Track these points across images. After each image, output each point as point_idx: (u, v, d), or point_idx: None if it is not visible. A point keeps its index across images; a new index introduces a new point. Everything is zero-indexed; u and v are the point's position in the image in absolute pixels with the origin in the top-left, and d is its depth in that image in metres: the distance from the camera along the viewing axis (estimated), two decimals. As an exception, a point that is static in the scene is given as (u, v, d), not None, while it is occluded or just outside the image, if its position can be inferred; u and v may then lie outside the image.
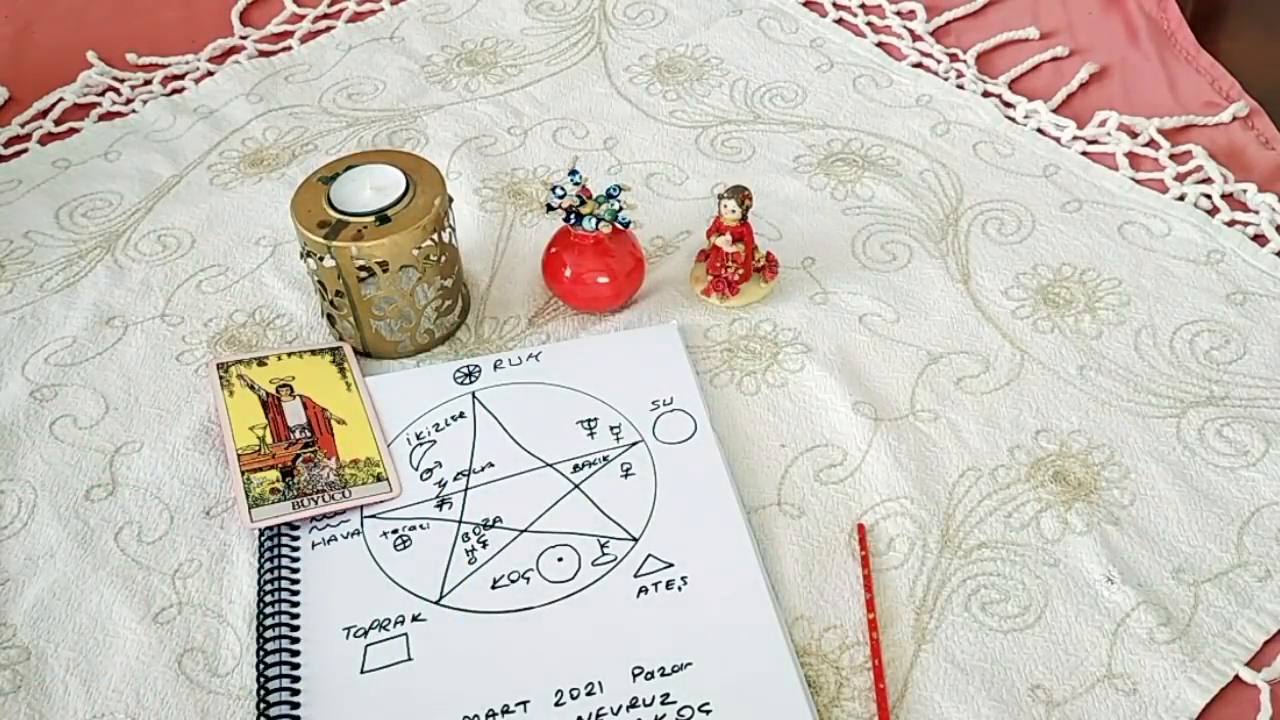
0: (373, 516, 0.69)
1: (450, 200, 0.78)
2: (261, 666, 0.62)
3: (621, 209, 0.77)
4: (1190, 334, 0.78)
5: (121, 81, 1.04)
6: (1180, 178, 0.90)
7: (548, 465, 0.71)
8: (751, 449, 0.72)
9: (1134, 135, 0.93)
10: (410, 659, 0.62)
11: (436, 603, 0.65)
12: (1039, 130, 0.95)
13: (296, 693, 0.61)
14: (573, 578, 0.66)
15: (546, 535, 0.68)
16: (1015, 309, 0.80)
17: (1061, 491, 0.69)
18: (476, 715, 0.60)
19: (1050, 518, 0.68)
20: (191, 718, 0.61)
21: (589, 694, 0.60)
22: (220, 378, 0.76)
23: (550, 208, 0.77)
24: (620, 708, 0.60)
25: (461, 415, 0.74)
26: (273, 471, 0.70)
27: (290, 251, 0.87)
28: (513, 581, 0.66)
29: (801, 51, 1.04)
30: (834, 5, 1.09)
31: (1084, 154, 0.92)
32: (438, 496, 0.70)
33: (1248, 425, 0.72)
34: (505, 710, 0.60)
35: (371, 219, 0.74)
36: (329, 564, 0.67)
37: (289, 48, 1.08)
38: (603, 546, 0.67)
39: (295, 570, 0.66)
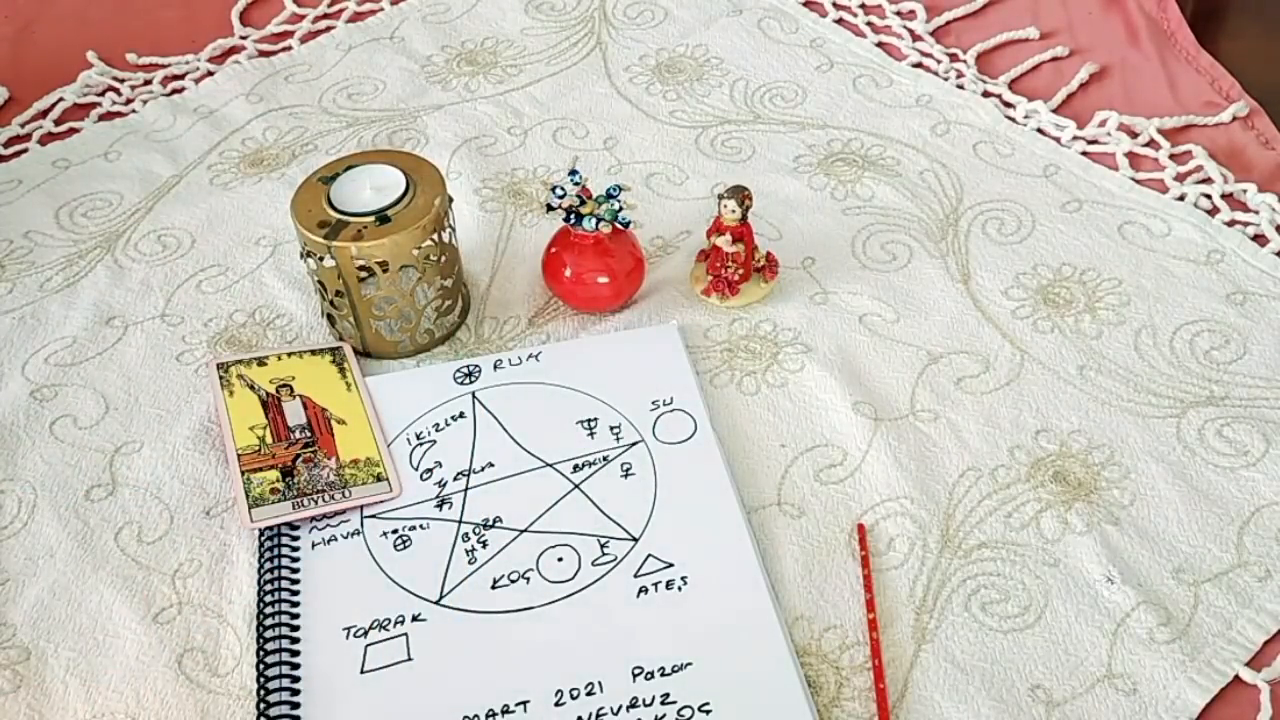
0: (373, 516, 0.69)
1: (450, 200, 0.78)
2: (261, 666, 0.62)
3: (621, 209, 0.77)
4: (1190, 334, 0.78)
5: (121, 81, 1.04)
6: (1180, 178, 0.90)
7: (548, 465, 0.71)
8: (751, 449, 0.72)
9: (1134, 135, 0.93)
10: (410, 659, 0.62)
11: (436, 603, 0.65)
12: (1039, 130, 0.95)
13: (296, 693, 0.61)
14: (573, 578, 0.66)
15: (546, 535, 0.68)
16: (1015, 309, 0.80)
17: (1061, 491, 0.69)
18: (476, 715, 0.60)
19: (1050, 518, 0.68)
20: (191, 718, 0.61)
21: (589, 694, 0.60)
22: (220, 378, 0.76)
23: (550, 208, 0.77)
24: (620, 708, 0.60)
25: (461, 415, 0.74)
26: (273, 471, 0.70)
27: (290, 251, 0.87)
28: (513, 581, 0.66)
29: (801, 51, 1.04)
30: (834, 5, 1.09)
31: (1084, 154, 0.92)
32: (438, 496, 0.70)
33: (1248, 425, 0.72)
34: (505, 710, 0.60)
35: (371, 219, 0.74)
36: (329, 564, 0.67)
37: (289, 48, 1.08)
38: (603, 546, 0.67)
39: (295, 570, 0.66)
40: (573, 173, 0.77)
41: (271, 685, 0.61)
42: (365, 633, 0.63)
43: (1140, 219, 0.86)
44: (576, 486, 0.70)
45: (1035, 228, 0.86)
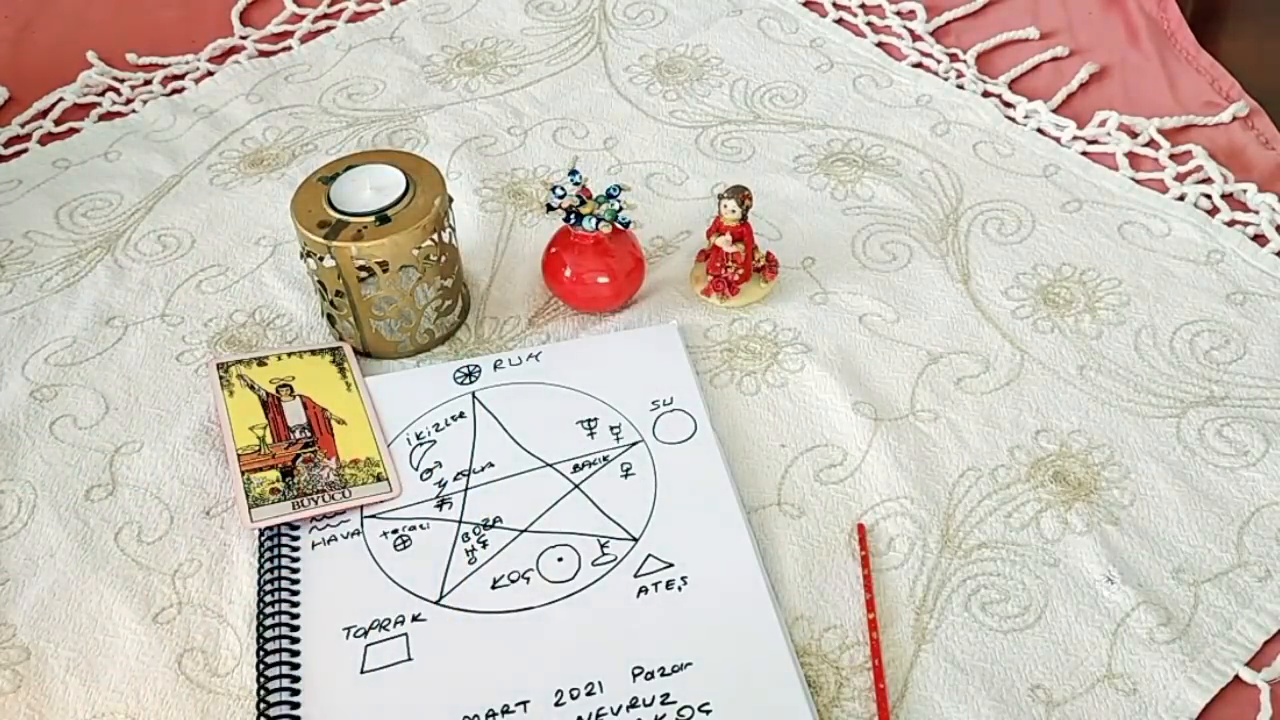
0: (373, 516, 0.69)
1: (450, 200, 0.78)
2: (261, 666, 0.62)
3: (621, 209, 0.77)
4: (1190, 334, 0.78)
5: (121, 81, 1.04)
6: (1180, 178, 0.90)
7: (548, 465, 0.71)
8: (751, 449, 0.72)
9: (1134, 135, 0.93)
10: (410, 659, 0.62)
11: (436, 603, 0.65)
12: (1039, 130, 0.95)
13: (296, 693, 0.61)
14: (573, 578, 0.66)
15: (546, 535, 0.68)
16: (1015, 309, 0.80)
17: (1061, 491, 0.69)
18: (476, 715, 0.60)
19: (1050, 518, 0.68)
20: (191, 718, 0.61)
21: (589, 694, 0.60)
22: (220, 378, 0.76)
23: (550, 208, 0.77)
24: (620, 708, 0.60)
25: (461, 415, 0.74)
26: (273, 471, 0.70)
27: (290, 251, 0.87)
28: (513, 581, 0.66)
29: (801, 51, 1.04)
30: (834, 5, 1.09)
31: (1084, 154, 0.92)
32: (438, 496, 0.70)
33: (1248, 425, 0.72)
34: (505, 710, 0.60)
35: (371, 219, 0.74)
36: (329, 564, 0.67)
37: (289, 48, 1.08)
38: (603, 546, 0.67)
39: (295, 570, 0.66)
40: (573, 173, 0.77)
41: (271, 685, 0.61)
42: (365, 633, 0.63)
43: (1140, 219, 0.86)
44: (576, 486, 0.70)
45: (1035, 228, 0.86)
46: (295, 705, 0.60)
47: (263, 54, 1.07)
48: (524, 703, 0.60)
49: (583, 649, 0.62)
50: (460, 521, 0.69)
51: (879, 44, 1.05)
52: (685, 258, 0.85)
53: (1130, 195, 0.88)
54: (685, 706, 0.60)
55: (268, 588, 0.65)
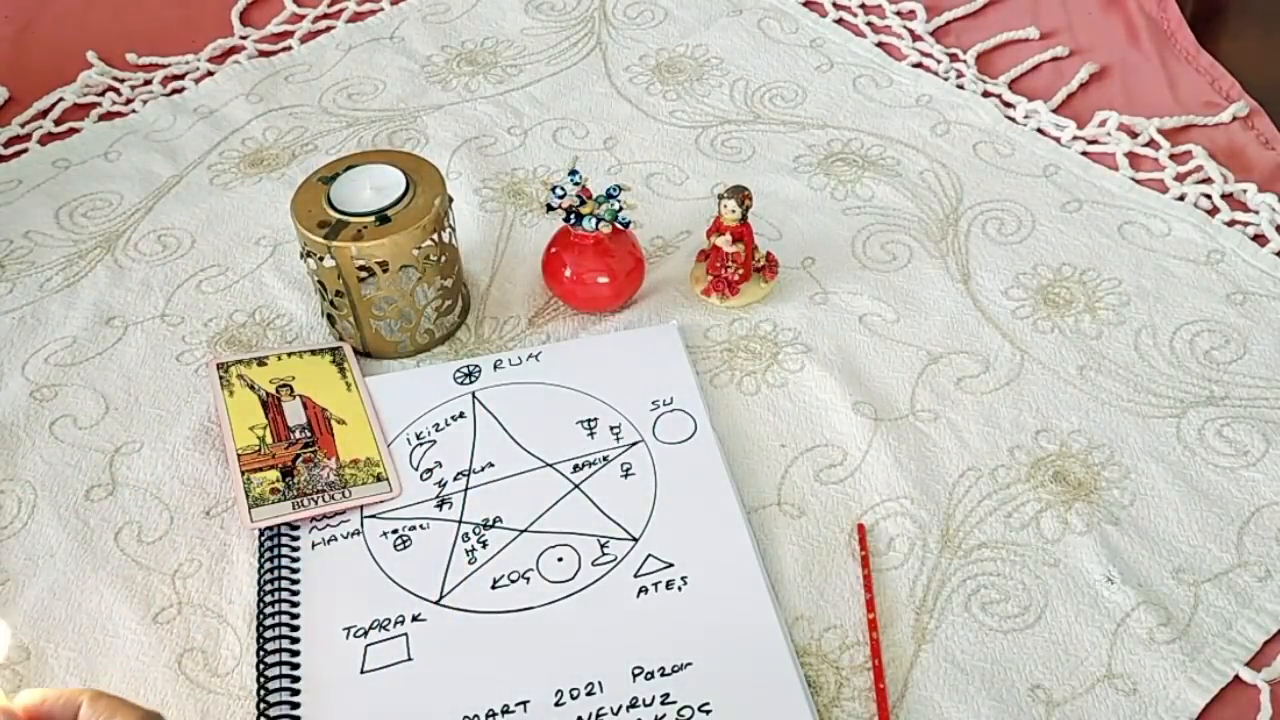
0: (373, 516, 0.69)
1: (450, 200, 0.78)
2: (261, 666, 0.62)
3: (621, 209, 0.77)
4: (1190, 334, 0.78)
5: (121, 81, 1.04)
6: (1180, 178, 0.90)
7: (548, 465, 0.71)
8: (751, 449, 0.72)
9: (1134, 135, 0.93)
10: (410, 659, 0.62)
11: (436, 603, 0.65)
12: (1039, 130, 0.95)
13: (296, 693, 0.61)
14: (573, 578, 0.66)
15: (546, 535, 0.68)
16: (1015, 309, 0.80)
17: (1061, 491, 0.69)
18: (476, 715, 0.60)
19: (1050, 518, 0.68)
20: (191, 718, 0.61)
21: (589, 694, 0.60)
22: (220, 378, 0.76)
23: (550, 208, 0.77)
24: (620, 708, 0.60)
25: (461, 415, 0.74)
26: (273, 471, 0.70)
27: (290, 251, 0.87)
28: (513, 581, 0.66)
29: (801, 51, 1.04)
30: (834, 5, 1.09)
31: (1084, 154, 0.92)
32: (438, 496, 0.70)
33: (1248, 425, 0.72)
34: (505, 710, 0.60)
35: (371, 219, 0.74)
36: (329, 564, 0.67)
37: (289, 48, 1.08)
38: (603, 546, 0.67)
39: (295, 570, 0.66)
40: (573, 173, 0.77)
41: (271, 685, 0.61)
42: (365, 633, 0.63)
43: (1140, 219, 0.86)
44: (576, 486, 0.70)
45: (1035, 228, 0.86)
46: (295, 705, 0.60)
47: (263, 54, 1.07)
48: (524, 703, 0.60)
49: (583, 649, 0.62)
50: (460, 521, 0.69)
51: (879, 44, 1.05)
52: (685, 258, 0.85)
53: (1130, 195, 0.88)
54: (685, 706, 0.60)
55: (268, 588, 0.65)
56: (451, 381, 0.77)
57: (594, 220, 0.76)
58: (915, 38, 1.05)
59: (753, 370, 0.77)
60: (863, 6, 1.09)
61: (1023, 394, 0.75)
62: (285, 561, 0.67)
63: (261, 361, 0.77)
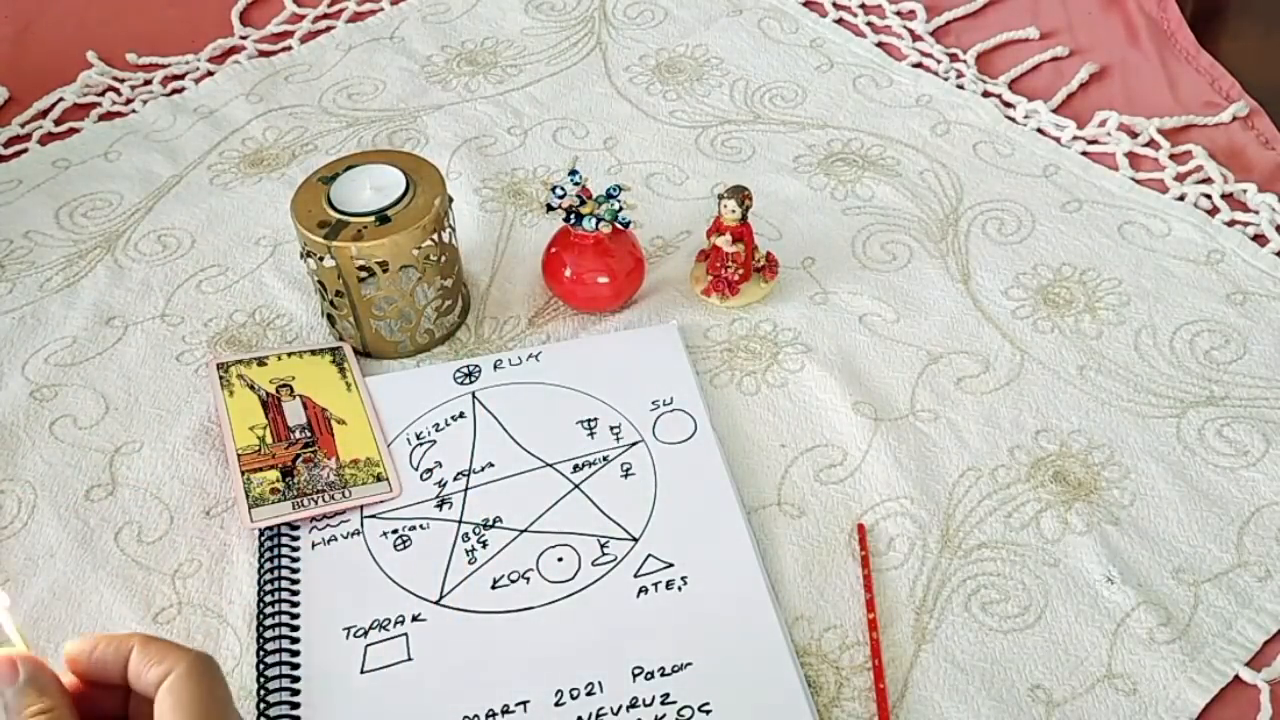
0: (373, 516, 0.69)
1: (450, 200, 0.78)
2: (261, 666, 0.62)
3: (621, 209, 0.77)
4: (1190, 334, 0.78)
5: (121, 81, 1.04)
6: (1180, 178, 0.90)
7: (548, 465, 0.71)
8: (751, 449, 0.72)
9: (1134, 135, 0.93)
10: (410, 659, 0.62)
11: (436, 603, 0.65)
12: (1039, 130, 0.95)
13: (296, 693, 0.61)
14: (573, 578, 0.66)
15: (546, 535, 0.68)
16: (1015, 309, 0.80)
17: (1061, 491, 0.69)
18: (476, 715, 0.60)
19: (1050, 518, 0.68)
20: (191, 718, 0.61)
21: (589, 694, 0.60)
22: (220, 378, 0.76)
23: (550, 208, 0.77)
24: (620, 708, 0.60)
25: (461, 415, 0.74)
26: (273, 471, 0.70)
27: (290, 251, 0.87)
28: (513, 581, 0.66)
29: (801, 51, 1.04)
30: (834, 5, 1.09)
31: (1084, 154, 0.92)
32: (438, 496, 0.70)
33: (1248, 425, 0.72)
34: (505, 710, 0.60)
35: (371, 219, 0.74)
36: (329, 564, 0.67)
37: (289, 48, 1.08)
38: (603, 546, 0.67)
39: (295, 570, 0.66)
40: (573, 173, 0.77)
41: (271, 685, 0.61)
42: (365, 633, 0.63)
43: (1140, 219, 0.86)
44: (576, 486, 0.70)
45: (1035, 228, 0.86)
46: (295, 705, 0.60)
47: (263, 54, 1.07)
48: (524, 703, 0.60)
49: (583, 649, 0.62)
50: (460, 521, 0.69)
51: (879, 44, 1.05)
52: (685, 258, 0.85)
53: (1130, 195, 0.88)
54: (685, 706, 0.60)
55: (268, 588, 0.65)
56: (451, 381, 0.77)
57: (594, 220, 0.76)
58: (915, 38, 1.05)
59: (753, 370, 0.77)
60: (863, 6, 1.09)
61: (1023, 394, 0.75)
62: (285, 561, 0.67)
63: (261, 361, 0.77)
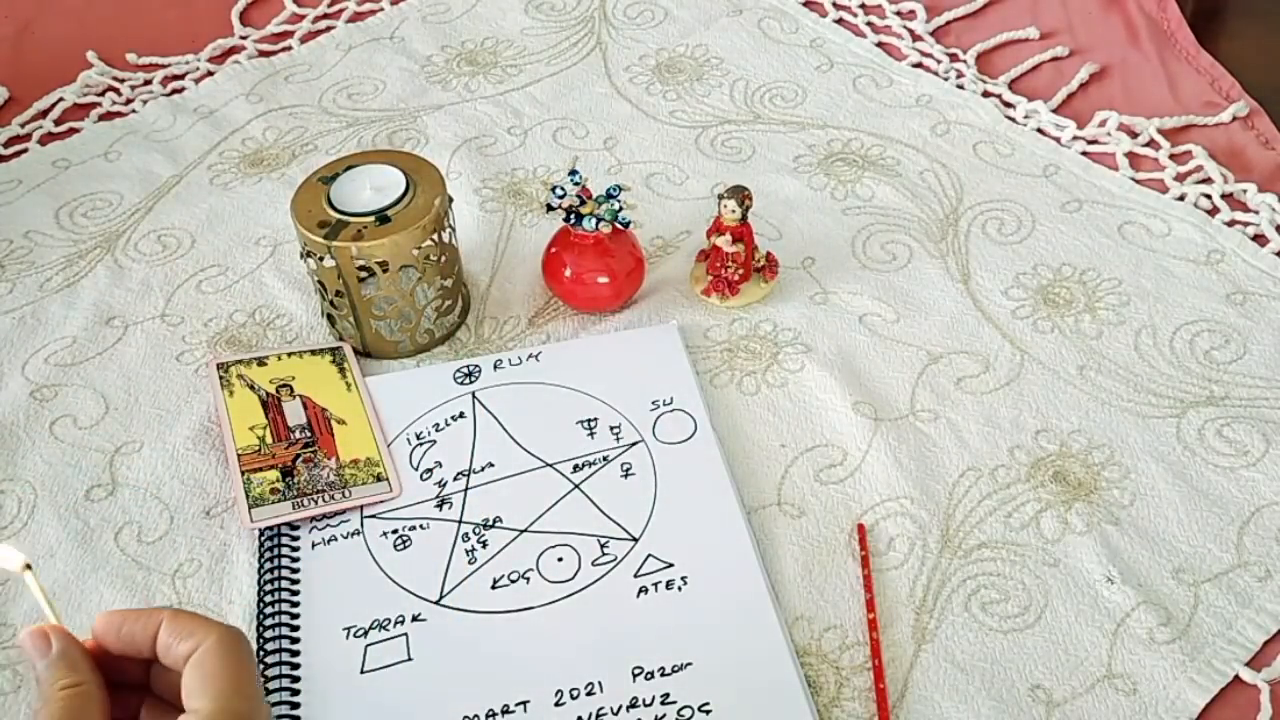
0: (373, 516, 0.69)
1: (450, 200, 0.78)
2: (261, 666, 0.62)
3: (621, 209, 0.77)
4: (1190, 334, 0.78)
5: (121, 81, 1.04)
6: (1180, 178, 0.90)
7: (548, 465, 0.71)
8: (751, 449, 0.72)
9: (1134, 135, 0.93)
10: (410, 659, 0.62)
11: (436, 603, 0.65)
12: (1039, 130, 0.95)
13: (296, 693, 0.61)
14: (573, 578, 0.66)
15: (546, 535, 0.68)
16: (1015, 309, 0.80)
17: (1061, 491, 0.69)
18: (476, 715, 0.60)
19: (1050, 518, 0.68)
20: (191, 718, 0.61)
21: (589, 694, 0.60)
22: (220, 378, 0.76)
23: (550, 208, 0.77)
24: (620, 708, 0.60)
25: (461, 415, 0.74)
26: (273, 471, 0.70)
27: (290, 251, 0.87)
28: (513, 581, 0.66)
29: (801, 51, 1.04)
30: (834, 5, 1.09)
31: (1084, 154, 0.92)
32: (438, 496, 0.70)
33: (1248, 425, 0.72)
34: (505, 710, 0.60)
35: (371, 219, 0.74)
36: (329, 564, 0.67)
37: (289, 48, 1.08)
38: (603, 546, 0.67)
39: (295, 570, 0.66)
40: (573, 173, 0.77)
41: (271, 685, 0.61)
42: (365, 633, 0.63)
43: (1140, 219, 0.86)
44: (576, 486, 0.70)
45: (1035, 228, 0.86)
46: (295, 705, 0.60)
47: (263, 54, 1.07)
48: (524, 703, 0.60)
49: (583, 649, 0.62)
50: (460, 521, 0.69)
51: (879, 44, 1.05)
52: (685, 258, 0.85)
53: (1130, 195, 0.88)
54: (685, 706, 0.60)
55: (268, 588, 0.65)
56: (451, 381, 0.77)
57: (594, 220, 0.76)
58: (915, 38, 1.05)
59: (753, 370, 0.77)
60: (863, 6, 1.09)
61: (1023, 394, 0.75)
62: (285, 561, 0.67)
63: (261, 361, 0.77)
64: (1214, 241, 0.84)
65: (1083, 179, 0.90)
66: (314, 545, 0.68)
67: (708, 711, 0.59)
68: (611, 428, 0.73)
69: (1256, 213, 0.86)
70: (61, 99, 1.02)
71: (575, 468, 0.71)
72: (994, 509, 0.69)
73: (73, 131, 1.00)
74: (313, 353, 0.78)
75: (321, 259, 0.75)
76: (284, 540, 0.68)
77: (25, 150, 0.98)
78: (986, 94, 0.99)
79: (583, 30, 1.09)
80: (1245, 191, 0.87)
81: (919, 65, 1.02)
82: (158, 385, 0.78)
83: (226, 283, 0.85)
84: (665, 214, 0.89)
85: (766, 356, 0.78)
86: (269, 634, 0.63)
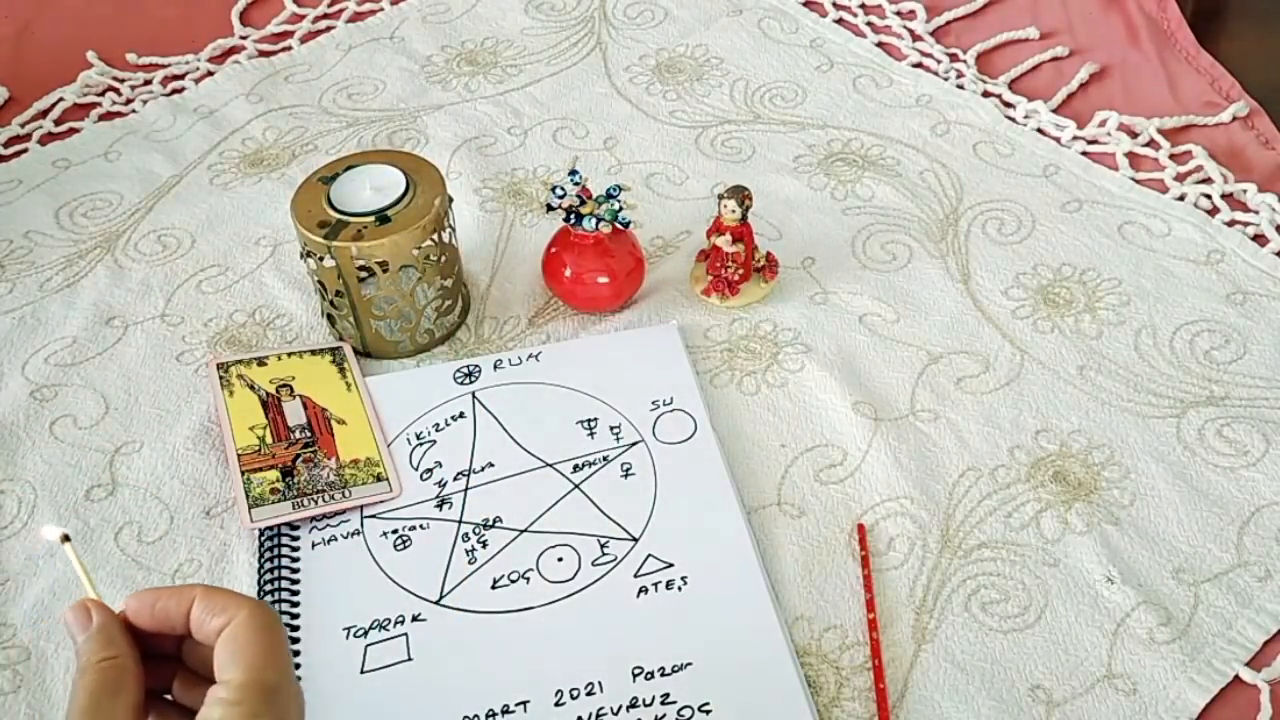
0: (373, 516, 0.69)
1: (450, 200, 0.78)
2: (261, 666, 0.62)
3: (621, 209, 0.77)
4: (1190, 334, 0.78)
5: (121, 81, 1.04)
6: (1180, 178, 0.90)
7: (548, 465, 0.71)
8: (751, 449, 0.72)
9: (1134, 135, 0.93)
10: (410, 659, 0.62)
11: (436, 603, 0.65)
12: (1039, 130, 0.95)
13: (296, 693, 0.61)
14: (573, 578, 0.66)
15: (546, 535, 0.68)
16: (1015, 309, 0.80)
17: (1061, 491, 0.69)
18: (476, 715, 0.60)
19: (1050, 518, 0.68)
20: (191, 718, 0.61)
21: (589, 694, 0.60)
22: (220, 378, 0.76)
23: (550, 208, 0.77)
24: (620, 708, 0.60)
25: (461, 415, 0.74)
26: (273, 471, 0.70)
27: (290, 251, 0.87)
28: (513, 581, 0.66)
29: (801, 51, 1.04)
30: (834, 5, 1.09)
31: (1084, 154, 0.92)
32: (438, 496, 0.70)
33: (1248, 425, 0.72)
34: (505, 710, 0.60)
35: (371, 219, 0.74)
36: (329, 564, 0.67)
37: (289, 48, 1.08)
38: (603, 546, 0.67)
39: (295, 570, 0.66)
40: (573, 173, 0.77)
41: (271, 685, 0.61)
42: (365, 633, 0.63)
43: (1140, 219, 0.86)
44: (576, 486, 0.70)
45: (1035, 228, 0.86)
46: (295, 705, 0.60)
47: (263, 54, 1.07)
48: (524, 703, 0.60)
49: (583, 649, 0.62)
50: (460, 521, 0.69)
51: (879, 44, 1.05)
52: (685, 258, 0.85)
53: (1130, 195, 0.88)
54: (685, 706, 0.60)
55: (268, 588, 0.65)
56: (451, 381, 0.77)
57: (594, 220, 0.76)
58: (915, 38, 1.05)
59: (753, 370, 0.77)
60: (863, 6, 1.09)
61: (1023, 394, 0.75)
62: (285, 561, 0.67)
63: (261, 361, 0.77)
64: (1214, 241, 0.84)
65: (1083, 179, 0.90)
66: (314, 545, 0.68)
67: (708, 711, 0.59)
68: (611, 428, 0.73)
69: (1256, 213, 0.86)
70: (61, 99, 1.02)
71: (575, 468, 0.71)
72: (994, 509, 0.69)
73: (73, 131, 1.00)
74: (313, 353, 0.78)
75: (321, 259, 0.75)
76: (284, 540, 0.68)
77: (25, 150, 0.98)
78: (986, 94, 0.99)
79: (583, 30, 1.09)
80: (1245, 191, 0.87)
81: (919, 65, 1.02)
82: (158, 385, 0.78)
83: (226, 283, 0.85)
84: (665, 214, 0.89)
85: (766, 356, 0.78)
86: (269, 634, 0.63)
